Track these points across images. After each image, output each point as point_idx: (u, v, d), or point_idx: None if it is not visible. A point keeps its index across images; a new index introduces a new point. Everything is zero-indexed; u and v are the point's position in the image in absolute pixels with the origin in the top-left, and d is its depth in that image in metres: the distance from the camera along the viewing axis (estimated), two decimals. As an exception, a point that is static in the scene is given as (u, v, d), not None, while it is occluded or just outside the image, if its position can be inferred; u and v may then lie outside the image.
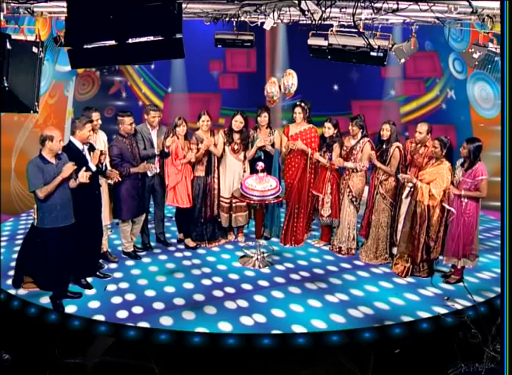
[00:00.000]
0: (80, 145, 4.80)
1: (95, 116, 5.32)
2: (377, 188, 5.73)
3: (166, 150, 5.75)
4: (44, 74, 6.70)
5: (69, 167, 4.43)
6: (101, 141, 5.47)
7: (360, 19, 5.34)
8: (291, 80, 6.34)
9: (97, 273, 5.33)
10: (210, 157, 6.04)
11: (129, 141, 5.53)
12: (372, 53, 5.01)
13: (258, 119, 6.14)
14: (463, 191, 5.03)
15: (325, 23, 4.97)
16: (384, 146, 5.69)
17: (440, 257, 5.34)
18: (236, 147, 6.09)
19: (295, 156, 6.19)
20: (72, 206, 4.59)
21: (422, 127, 5.55)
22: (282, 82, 6.40)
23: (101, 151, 4.95)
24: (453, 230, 5.14)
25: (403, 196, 5.47)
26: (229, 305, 4.83)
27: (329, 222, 6.22)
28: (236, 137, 6.06)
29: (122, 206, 5.55)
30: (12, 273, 5.10)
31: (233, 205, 6.21)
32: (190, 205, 5.98)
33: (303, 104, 6.07)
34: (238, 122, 5.99)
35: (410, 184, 5.30)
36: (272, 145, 6.18)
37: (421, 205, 5.18)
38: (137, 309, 4.70)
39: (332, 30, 5.30)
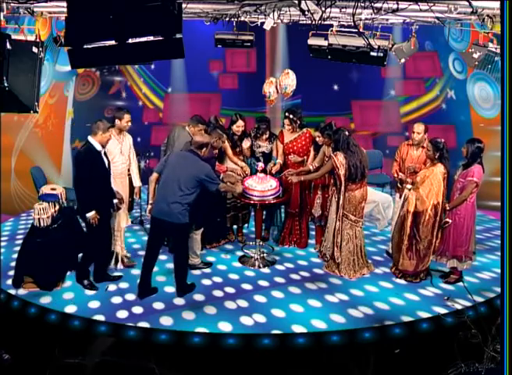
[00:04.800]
0: (98, 147, 4.71)
1: (127, 117, 5.24)
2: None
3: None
4: (44, 74, 6.70)
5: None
6: (127, 143, 5.41)
7: (360, 19, 5.32)
8: (286, 80, 6.31)
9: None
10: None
11: None
12: (372, 53, 5.00)
13: (258, 136, 6.17)
14: (447, 206, 5.03)
15: (325, 23, 4.96)
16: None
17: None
18: (238, 150, 6.12)
19: (292, 164, 6.12)
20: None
21: (419, 127, 5.52)
22: (278, 82, 6.38)
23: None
24: (443, 230, 5.14)
25: (401, 197, 5.42)
26: (229, 305, 4.83)
27: (319, 222, 6.15)
28: (237, 139, 6.09)
29: (199, 214, 5.24)
30: (12, 273, 5.11)
31: (239, 204, 6.23)
32: None
33: (291, 115, 5.93)
34: (240, 126, 6.03)
35: (409, 186, 5.25)
36: (270, 153, 6.22)
37: (413, 213, 5.10)
38: (137, 309, 4.70)
39: (332, 30, 5.29)
